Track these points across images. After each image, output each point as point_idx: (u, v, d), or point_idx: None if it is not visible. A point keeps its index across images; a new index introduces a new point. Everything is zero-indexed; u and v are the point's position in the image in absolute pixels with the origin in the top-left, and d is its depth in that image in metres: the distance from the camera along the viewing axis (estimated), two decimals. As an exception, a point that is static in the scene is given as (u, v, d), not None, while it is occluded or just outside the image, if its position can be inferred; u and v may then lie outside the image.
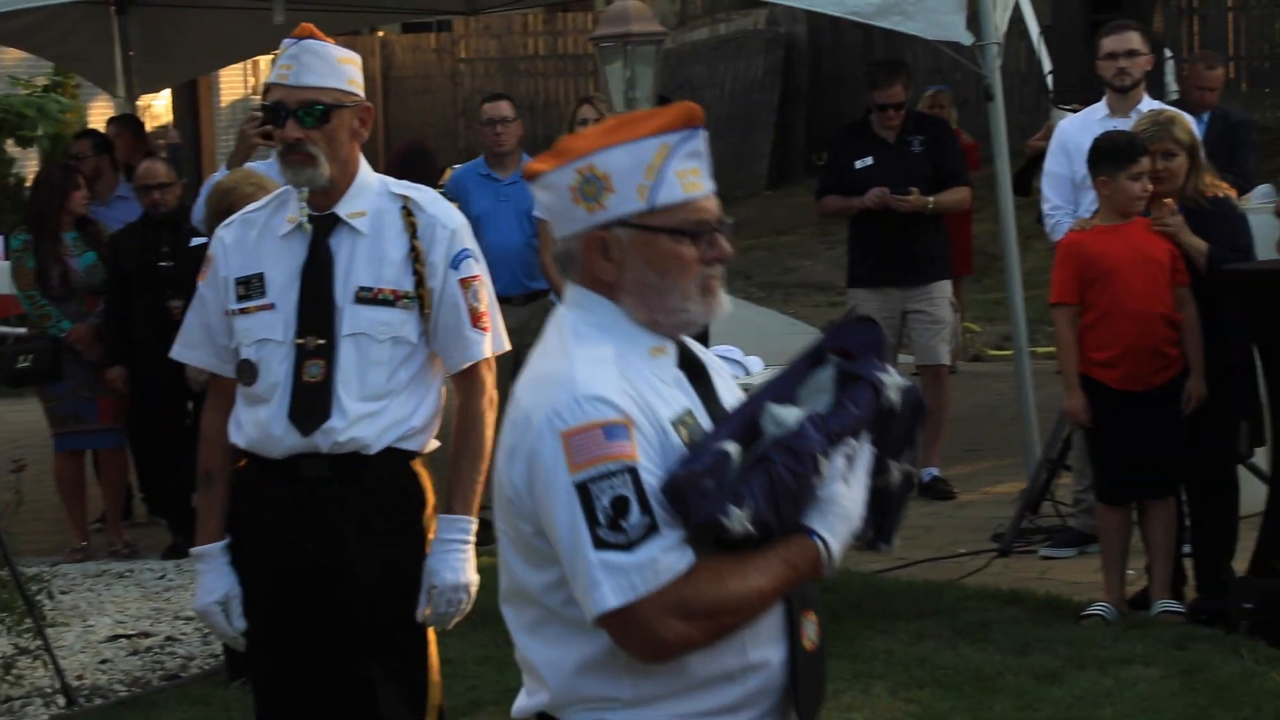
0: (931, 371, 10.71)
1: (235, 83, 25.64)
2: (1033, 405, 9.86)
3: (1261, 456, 8.54)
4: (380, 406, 5.05)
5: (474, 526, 5.15)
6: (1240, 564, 8.07)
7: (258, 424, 5.07)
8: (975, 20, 10.01)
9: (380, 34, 29.35)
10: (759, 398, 3.27)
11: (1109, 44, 8.85)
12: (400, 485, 5.13)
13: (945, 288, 10.64)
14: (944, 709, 6.97)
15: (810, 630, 3.35)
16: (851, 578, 8.84)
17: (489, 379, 5.18)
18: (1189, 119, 8.43)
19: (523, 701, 3.41)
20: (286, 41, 5.12)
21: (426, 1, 16.03)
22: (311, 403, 5.03)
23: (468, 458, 5.13)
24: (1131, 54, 8.80)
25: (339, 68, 5.09)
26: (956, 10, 9.94)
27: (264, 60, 19.30)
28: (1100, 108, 8.94)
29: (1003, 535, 9.37)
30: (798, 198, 22.52)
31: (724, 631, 3.23)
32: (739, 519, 3.14)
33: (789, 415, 3.23)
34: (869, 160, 10.46)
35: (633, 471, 3.17)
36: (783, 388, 3.31)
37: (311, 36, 5.10)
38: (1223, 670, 7.18)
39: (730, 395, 3.43)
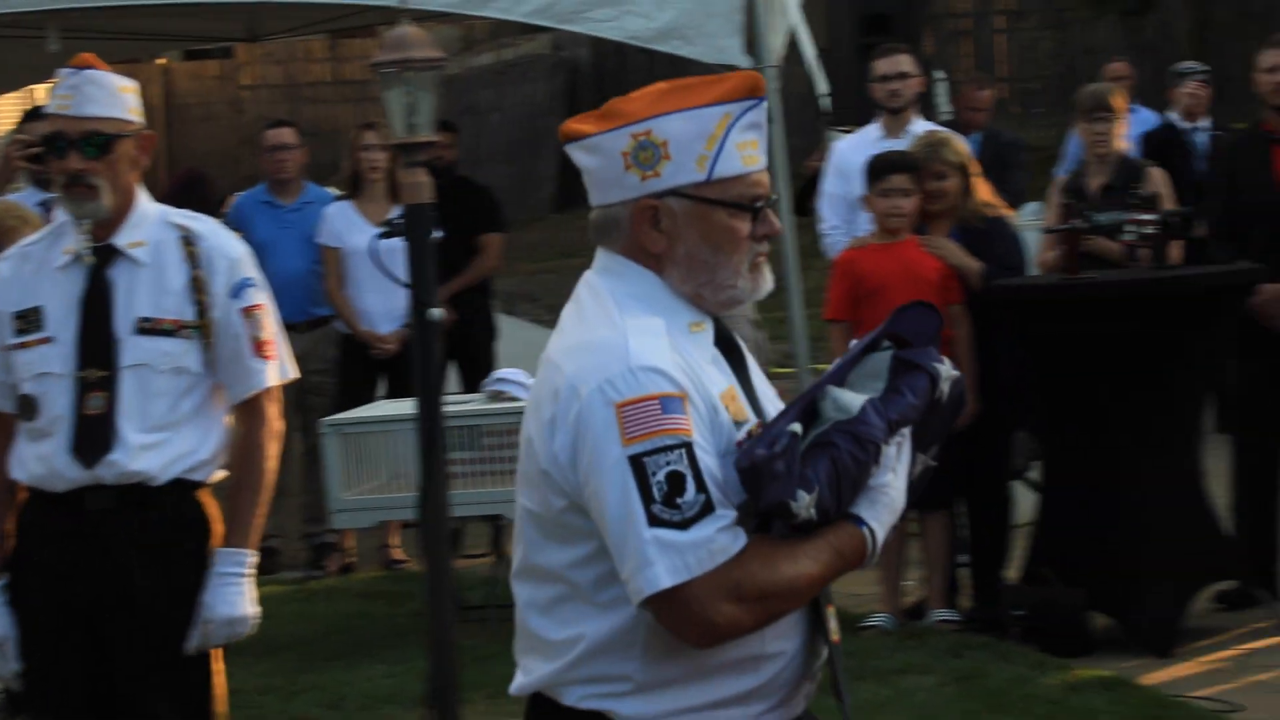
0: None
1: (8, 113, 25.27)
2: (814, 422, 10.01)
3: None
4: (164, 438, 5.05)
5: (253, 559, 5.17)
6: (1012, 573, 8.30)
7: (40, 459, 5.05)
8: (753, 44, 10.19)
9: (161, 61, 29.05)
10: (821, 382, 3.17)
11: (880, 67, 9.07)
12: (186, 516, 5.12)
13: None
14: (727, 722, 7.06)
15: (834, 624, 3.27)
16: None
17: (272, 409, 5.20)
18: (962, 140, 8.67)
19: (520, 680, 3.25)
20: (65, 71, 5.11)
21: (207, 28, 15.89)
22: (94, 435, 5.02)
23: (248, 490, 5.15)
24: (902, 76, 9.03)
25: (120, 96, 5.10)
26: (734, 34, 10.11)
27: (40, 89, 19.03)
28: (874, 129, 9.15)
29: (786, 550, 9.51)
30: (585, 220, 22.68)
31: (772, 617, 3.10)
32: (806, 504, 3.05)
33: (852, 400, 3.13)
34: (674, 179, 10.61)
35: (688, 447, 3.03)
36: (838, 372, 3.21)
37: (91, 66, 5.10)
38: (996, 676, 7.37)
39: (760, 379, 3.32)
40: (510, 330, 13.05)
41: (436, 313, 6.61)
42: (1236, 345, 8.14)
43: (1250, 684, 7.31)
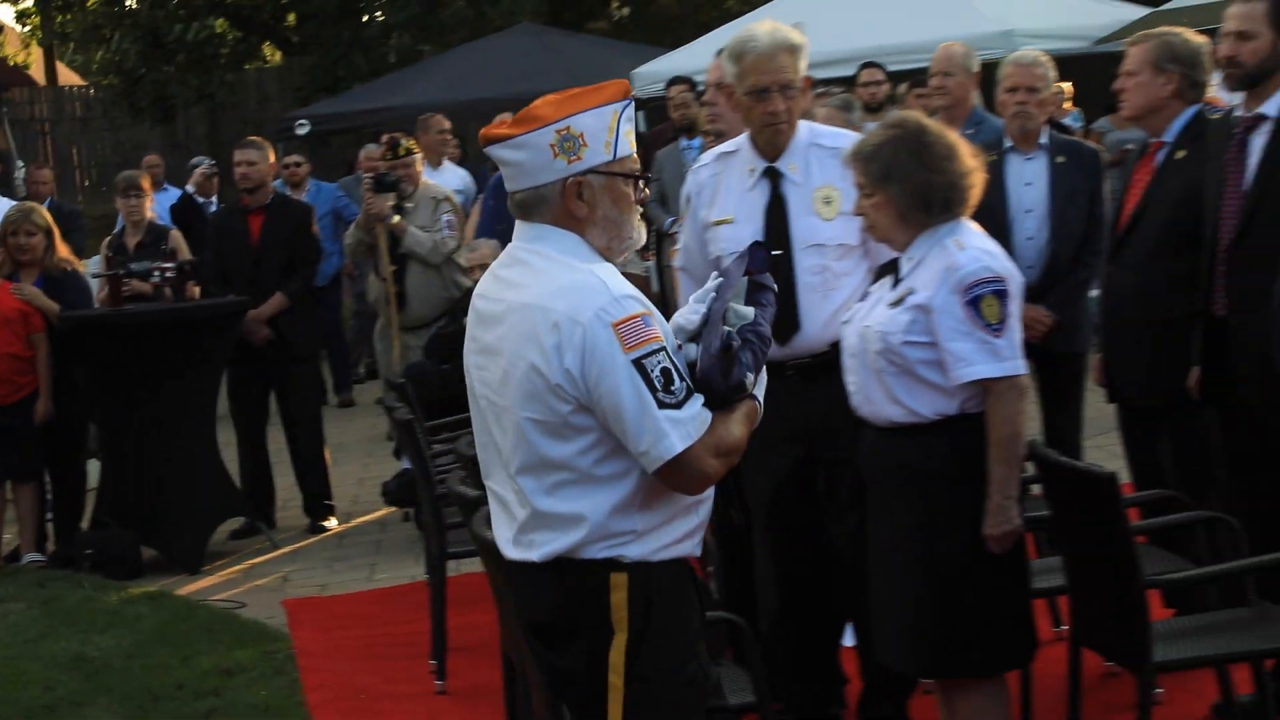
0: None
1: None
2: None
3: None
4: None
5: None
6: (85, 523, 8.09)
7: None
8: None
9: None
10: (719, 302, 3.13)
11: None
12: None
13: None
14: None
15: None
16: None
17: None
18: (45, 209, 8.45)
19: (543, 550, 3.07)
20: None
21: None
22: None
23: None
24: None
25: None
26: None
27: None
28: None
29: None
30: None
31: (731, 466, 3.09)
32: (752, 381, 3.08)
33: (747, 310, 3.14)
34: None
35: (666, 350, 3.00)
36: (724, 294, 3.16)
37: None
38: (71, 599, 7.22)
39: None
40: None
41: None
42: (228, 354, 8.22)
43: (252, 588, 7.42)
